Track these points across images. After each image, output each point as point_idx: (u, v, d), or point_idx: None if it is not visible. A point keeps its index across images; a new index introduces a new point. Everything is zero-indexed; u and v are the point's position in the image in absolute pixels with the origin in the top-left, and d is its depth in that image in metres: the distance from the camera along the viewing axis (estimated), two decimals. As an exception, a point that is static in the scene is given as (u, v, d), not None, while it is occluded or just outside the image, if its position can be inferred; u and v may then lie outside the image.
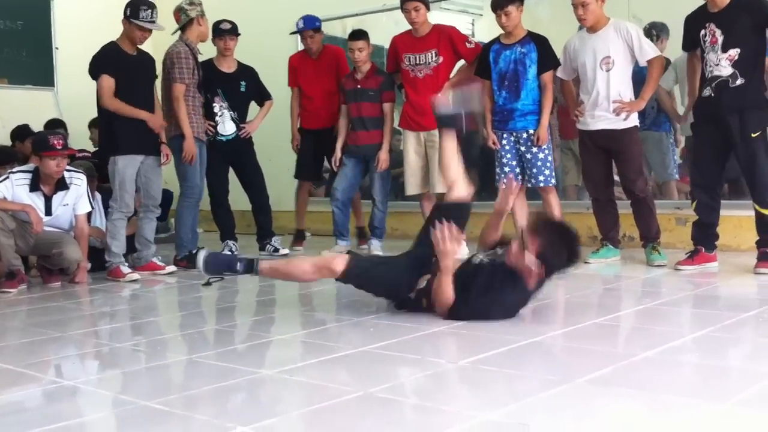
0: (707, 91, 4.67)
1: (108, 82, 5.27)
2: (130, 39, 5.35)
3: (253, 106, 6.47)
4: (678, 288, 4.39)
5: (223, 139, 6.12)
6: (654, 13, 5.91)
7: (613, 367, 2.72)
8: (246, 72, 6.34)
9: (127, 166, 5.28)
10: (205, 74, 6.03)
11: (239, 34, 6.22)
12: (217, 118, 6.16)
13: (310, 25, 6.43)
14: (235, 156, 6.20)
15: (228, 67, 6.25)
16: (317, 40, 6.47)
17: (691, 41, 4.81)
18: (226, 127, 6.19)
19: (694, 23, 4.74)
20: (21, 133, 6.96)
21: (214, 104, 6.15)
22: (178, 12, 5.77)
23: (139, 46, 5.48)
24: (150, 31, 5.35)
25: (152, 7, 5.33)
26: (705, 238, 4.85)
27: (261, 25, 7.54)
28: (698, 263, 4.80)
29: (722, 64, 4.57)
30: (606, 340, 3.26)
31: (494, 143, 5.49)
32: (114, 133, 5.33)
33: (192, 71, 5.67)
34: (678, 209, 5.75)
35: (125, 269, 5.28)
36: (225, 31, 6.14)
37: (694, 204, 4.86)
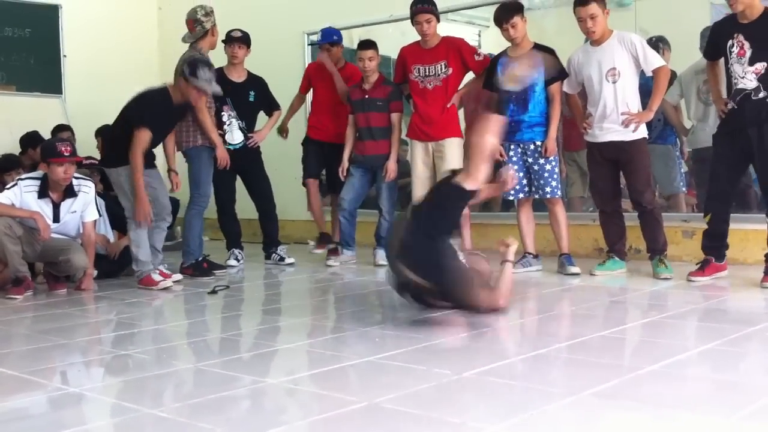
0: (731, 105, 4.66)
1: (145, 136, 5.16)
2: (183, 96, 5.29)
3: (262, 117, 6.49)
4: (684, 301, 4.38)
5: (231, 147, 6.14)
6: (661, 26, 5.91)
7: (618, 380, 2.71)
8: (255, 82, 6.36)
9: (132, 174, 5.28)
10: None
11: (249, 45, 6.25)
12: (225, 126, 6.17)
13: (326, 39, 6.47)
14: (243, 165, 6.22)
15: (238, 77, 6.28)
16: (335, 54, 6.47)
17: (716, 50, 4.77)
18: (234, 136, 6.21)
19: (722, 33, 4.69)
20: (32, 139, 6.99)
21: (222, 113, 6.17)
22: (193, 22, 5.81)
23: None
24: (207, 93, 5.39)
25: (211, 66, 5.39)
26: (716, 248, 4.84)
27: (269, 34, 7.56)
28: (709, 274, 4.80)
29: (748, 77, 4.55)
30: (611, 352, 3.25)
31: (501, 155, 5.49)
32: (119, 147, 5.31)
33: None
34: (685, 222, 5.74)
35: (156, 277, 5.27)
36: (234, 39, 6.18)
37: (709, 216, 4.82)
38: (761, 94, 4.52)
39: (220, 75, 6.15)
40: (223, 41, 6.17)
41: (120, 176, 5.24)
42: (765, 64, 4.50)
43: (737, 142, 4.64)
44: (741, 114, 4.59)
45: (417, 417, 2.40)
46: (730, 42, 4.60)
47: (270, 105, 6.47)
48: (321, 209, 6.66)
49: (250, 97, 6.32)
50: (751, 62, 4.53)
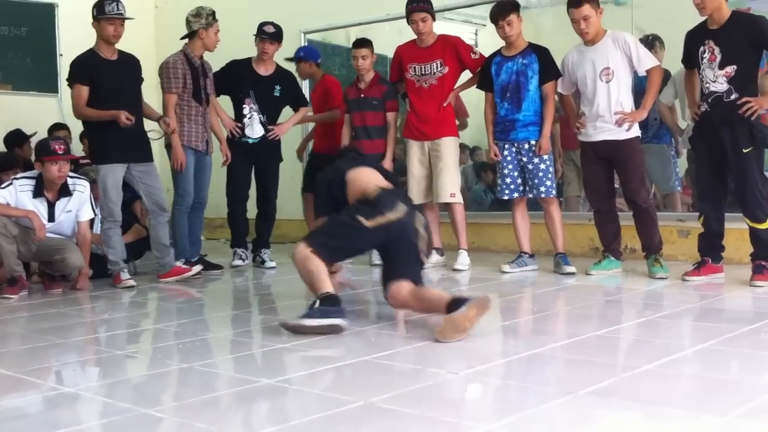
0: (704, 107, 4.74)
1: (79, 91, 5.25)
2: (105, 39, 5.30)
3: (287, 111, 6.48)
4: (679, 300, 4.39)
5: (249, 140, 6.14)
6: (657, 24, 5.91)
7: (614, 379, 2.72)
8: (283, 76, 6.32)
9: (108, 175, 5.28)
10: (240, 74, 6.13)
11: (281, 41, 6.24)
12: (245, 119, 6.17)
13: (296, 54, 6.67)
14: (259, 159, 6.22)
15: (265, 70, 6.25)
16: (303, 70, 6.61)
17: (691, 59, 4.84)
18: (254, 129, 6.18)
19: (695, 40, 4.78)
20: (16, 137, 6.98)
21: (243, 106, 6.17)
22: (186, 21, 5.82)
23: (123, 50, 5.45)
24: (122, 23, 5.29)
25: (117, 0, 5.30)
26: (711, 249, 4.87)
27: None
28: (705, 274, 4.82)
29: (719, 80, 4.63)
30: (607, 352, 3.25)
31: (495, 155, 5.50)
32: (96, 143, 5.39)
33: (182, 80, 5.68)
34: (680, 221, 5.75)
35: (123, 275, 5.28)
36: (266, 35, 6.15)
37: (702, 218, 4.87)
38: (732, 96, 4.60)
39: (246, 66, 6.17)
40: (254, 34, 6.16)
41: (98, 174, 5.34)
42: (734, 66, 4.58)
43: (711, 142, 4.73)
44: (712, 116, 4.68)
45: (413, 416, 2.40)
46: (702, 48, 4.70)
47: (297, 101, 6.43)
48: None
49: (275, 92, 6.27)
50: (721, 66, 4.61)
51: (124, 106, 5.21)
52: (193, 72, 5.76)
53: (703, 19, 4.72)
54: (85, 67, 5.28)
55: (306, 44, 6.66)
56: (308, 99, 6.72)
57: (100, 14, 5.25)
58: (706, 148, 4.80)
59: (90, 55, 5.33)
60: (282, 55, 6.89)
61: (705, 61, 4.68)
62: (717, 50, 4.61)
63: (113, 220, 5.35)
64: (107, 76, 5.28)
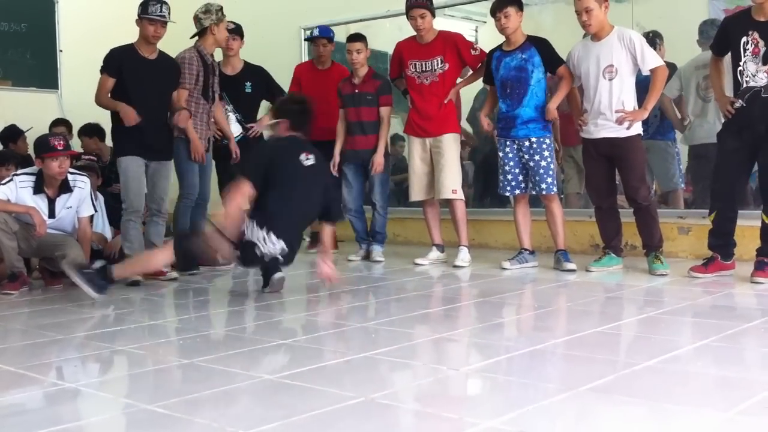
0: (739, 103, 4.64)
1: (104, 81, 5.32)
2: (144, 38, 5.35)
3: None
4: (680, 297, 4.39)
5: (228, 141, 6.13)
6: (658, 20, 5.91)
7: (615, 375, 2.72)
8: (253, 72, 6.30)
9: (129, 166, 5.30)
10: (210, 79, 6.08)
11: (243, 36, 6.23)
12: None
13: (324, 33, 6.50)
14: (242, 158, 6.21)
15: (232, 70, 6.25)
16: (329, 50, 6.51)
17: (725, 46, 4.74)
18: (232, 128, 6.19)
19: (736, 28, 4.64)
20: (11, 133, 6.97)
21: None
22: (195, 20, 5.81)
23: (164, 51, 5.49)
24: (163, 26, 5.33)
25: (162, 2, 5.34)
26: (721, 246, 4.84)
27: (266, 28, 7.56)
28: (712, 272, 4.80)
29: (759, 75, 4.53)
30: (607, 348, 3.25)
31: (488, 125, 5.53)
32: (118, 135, 5.41)
33: (196, 77, 5.67)
34: (680, 218, 5.75)
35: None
36: (227, 31, 6.14)
37: (713, 215, 4.82)
38: None
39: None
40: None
41: (119, 165, 5.36)
42: None
43: (744, 138, 4.64)
44: (750, 111, 4.58)
45: (413, 412, 2.41)
46: (744, 39, 4.57)
47: (273, 93, 6.38)
48: None
49: (246, 89, 6.28)
50: (765, 61, 4.51)
51: (149, 105, 5.27)
52: (205, 69, 5.76)
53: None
54: (117, 60, 5.34)
55: (317, 31, 6.62)
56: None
57: (143, 14, 5.31)
58: (735, 143, 4.68)
59: (126, 50, 5.38)
60: (283, 51, 6.91)
61: (748, 53, 4.56)
62: (762, 43, 4.49)
63: (134, 211, 5.35)
64: (138, 74, 5.32)
